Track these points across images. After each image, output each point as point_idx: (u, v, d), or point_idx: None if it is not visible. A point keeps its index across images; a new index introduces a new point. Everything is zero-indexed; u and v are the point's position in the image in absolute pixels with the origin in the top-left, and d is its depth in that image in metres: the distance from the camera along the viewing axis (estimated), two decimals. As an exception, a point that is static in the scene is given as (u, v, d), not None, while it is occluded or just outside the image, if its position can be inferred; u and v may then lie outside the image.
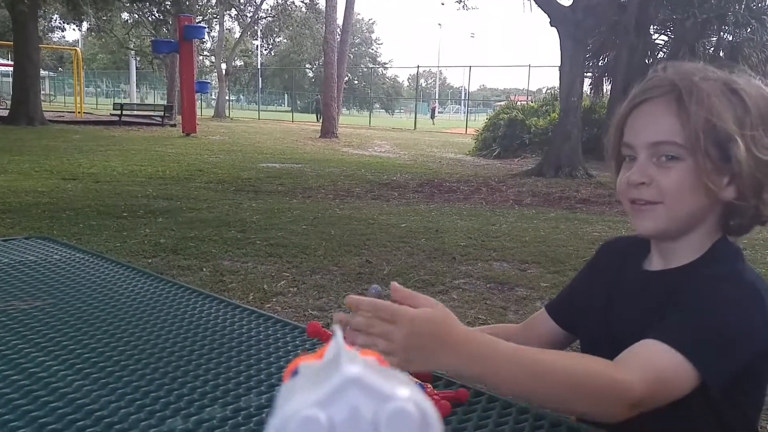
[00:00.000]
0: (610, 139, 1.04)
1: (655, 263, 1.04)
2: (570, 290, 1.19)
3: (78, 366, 1.07)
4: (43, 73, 26.39)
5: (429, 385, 0.99)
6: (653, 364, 0.84)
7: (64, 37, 58.24)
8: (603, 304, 0.85)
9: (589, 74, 14.70)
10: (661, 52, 15.55)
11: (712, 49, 15.03)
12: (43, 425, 0.87)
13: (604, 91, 16.86)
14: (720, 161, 0.92)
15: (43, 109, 20.15)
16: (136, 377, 1.04)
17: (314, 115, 36.25)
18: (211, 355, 1.15)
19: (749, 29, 14.88)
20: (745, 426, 0.98)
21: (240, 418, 0.92)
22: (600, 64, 16.63)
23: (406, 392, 0.29)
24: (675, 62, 1.00)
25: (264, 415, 0.93)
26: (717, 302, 0.90)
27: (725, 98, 0.93)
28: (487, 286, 4.51)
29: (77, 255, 1.84)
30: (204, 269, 4.62)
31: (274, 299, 4.01)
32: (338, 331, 0.35)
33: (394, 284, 0.78)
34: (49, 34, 42.04)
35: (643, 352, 0.86)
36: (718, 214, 0.98)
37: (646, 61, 14.69)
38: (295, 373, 0.32)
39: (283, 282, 4.39)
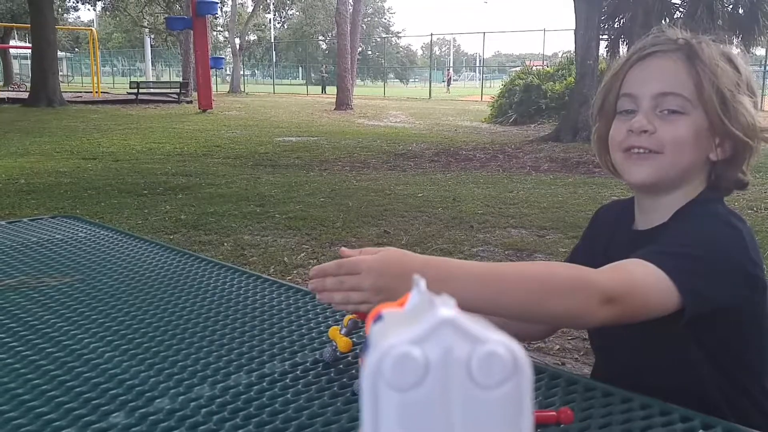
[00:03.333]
0: (606, 91, 1.05)
1: (640, 222, 1.07)
2: (572, 257, 1.21)
3: (108, 338, 1.12)
4: (60, 54, 26.49)
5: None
6: (630, 271, 0.86)
7: (79, 17, 58.37)
8: (600, 265, 0.88)
9: (605, 36, 14.39)
10: (678, 12, 15.19)
11: (731, 6, 14.63)
12: (79, 394, 0.92)
13: (621, 53, 16.54)
14: (718, 119, 0.95)
15: (62, 89, 20.28)
16: (163, 347, 1.08)
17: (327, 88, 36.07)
18: (234, 324, 1.19)
19: (770, -16, 14.46)
20: (753, 381, 1.00)
21: (265, 383, 0.95)
22: (616, 26, 16.27)
23: (497, 336, 0.31)
24: (671, 27, 1.03)
25: (288, 380, 0.96)
26: (698, 234, 0.93)
27: (724, 63, 0.97)
28: (506, 253, 4.53)
29: (102, 232, 1.89)
30: (225, 244, 4.68)
31: (294, 271, 4.07)
32: (420, 280, 0.36)
33: (343, 249, 0.87)
34: (65, 15, 42.08)
35: (621, 263, 0.87)
36: (705, 174, 1.01)
37: (663, 21, 14.37)
38: (378, 319, 0.33)
39: (302, 254, 4.44)
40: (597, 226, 1.19)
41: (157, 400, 0.90)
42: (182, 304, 1.29)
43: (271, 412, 0.87)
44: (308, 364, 1.02)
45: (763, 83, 23.18)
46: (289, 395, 0.92)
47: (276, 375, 0.98)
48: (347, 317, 1.03)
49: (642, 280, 0.84)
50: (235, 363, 1.02)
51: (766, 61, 23.88)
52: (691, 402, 0.87)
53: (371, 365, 0.30)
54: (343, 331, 1.02)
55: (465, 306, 0.77)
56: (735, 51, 1.01)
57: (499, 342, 0.30)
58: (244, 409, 0.87)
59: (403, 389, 0.30)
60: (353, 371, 0.98)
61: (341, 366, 1.01)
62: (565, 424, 0.83)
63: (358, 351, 1.04)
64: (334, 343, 1.01)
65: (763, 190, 6.94)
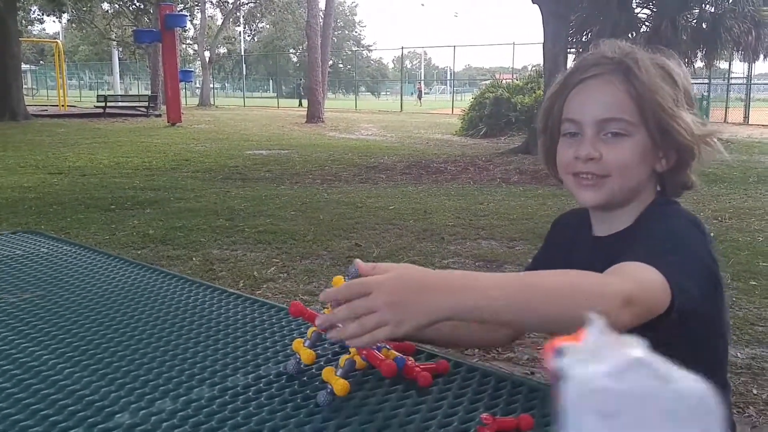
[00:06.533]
0: (549, 115, 1.07)
1: (599, 230, 1.10)
2: (533, 264, 1.23)
3: (68, 354, 1.10)
4: (24, 66, 26.06)
5: (410, 358, 1.02)
6: (633, 273, 0.85)
7: (44, 29, 57.59)
8: None
9: (573, 50, 14.64)
10: (643, 26, 15.51)
11: (695, 21, 15.00)
12: (35, 411, 0.90)
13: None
14: (660, 136, 0.98)
15: (26, 103, 19.95)
16: (125, 362, 1.07)
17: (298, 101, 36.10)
18: (198, 338, 1.18)
19: (731, 0, 14.87)
20: (717, 363, 1.04)
21: (227, 396, 0.95)
22: (583, 39, 16.59)
23: (686, 376, 0.33)
24: (607, 40, 1.05)
25: (250, 393, 0.96)
26: (674, 233, 0.96)
27: (660, 77, 0.98)
28: (476, 264, 4.56)
29: (65, 248, 1.86)
30: (193, 258, 4.64)
31: (264, 285, 4.04)
32: (596, 317, 0.37)
33: (357, 261, 0.80)
34: (29, 27, 41.45)
35: (620, 266, 0.87)
36: (653, 184, 1.05)
37: (629, 35, 14.65)
38: (558, 351, 0.35)
39: (273, 268, 4.42)
40: (557, 234, 1.21)
41: (117, 416, 0.89)
42: (146, 319, 1.28)
43: (233, 425, 0.86)
44: (272, 376, 1.02)
45: (727, 96, 23.77)
46: (251, 408, 0.91)
47: (239, 388, 0.97)
48: (311, 329, 1.03)
49: (648, 280, 0.84)
50: (197, 377, 1.01)
51: (728, 75, 24.48)
52: None
53: (573, 394, 0.33)
54: (307, 344, 1.02)
55: (496, 309, 0.76)
56: (670, 62, 1.01)
57: (688, 381, 0.33)
58: (206, 423, 0.87)
59: (605, 416, 0.33)
60: (317, 383, 0.98)
61: (305, 378, 1.01)
62: (525, 430, 0.83)
63: (321, 363, 1.04)
64: (298, 356, 1.01)
65: (728, 200, 7.11)
